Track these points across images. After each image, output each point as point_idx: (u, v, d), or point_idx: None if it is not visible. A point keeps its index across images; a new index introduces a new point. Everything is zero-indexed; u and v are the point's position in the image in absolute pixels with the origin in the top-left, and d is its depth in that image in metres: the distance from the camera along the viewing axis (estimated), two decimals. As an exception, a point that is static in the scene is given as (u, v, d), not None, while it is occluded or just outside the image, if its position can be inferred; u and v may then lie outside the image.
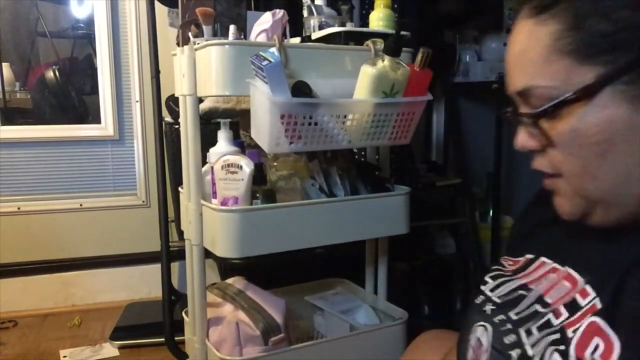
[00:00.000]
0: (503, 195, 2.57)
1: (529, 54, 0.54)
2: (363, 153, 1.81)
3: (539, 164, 0.59)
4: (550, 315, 0.55)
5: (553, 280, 0.58)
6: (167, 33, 2.13)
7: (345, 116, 1.12)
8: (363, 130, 1.16)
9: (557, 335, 0.52)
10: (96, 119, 2.30)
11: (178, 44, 1.32)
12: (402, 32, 1.16)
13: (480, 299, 0.66)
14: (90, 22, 2.26)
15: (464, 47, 2.56)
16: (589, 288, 0.53)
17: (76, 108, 2.35)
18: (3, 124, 2.19)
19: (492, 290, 0.65)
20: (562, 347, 0.51)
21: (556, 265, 0.60)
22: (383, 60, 1.09)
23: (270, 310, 1.27)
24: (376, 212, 1.28)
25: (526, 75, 0.55)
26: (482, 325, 0.61)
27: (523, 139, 0.59)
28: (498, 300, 0.63)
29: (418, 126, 1.26)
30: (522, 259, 0.67)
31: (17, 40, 2.28)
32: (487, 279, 0.68)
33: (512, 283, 0.63)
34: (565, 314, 0.53)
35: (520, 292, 0.61)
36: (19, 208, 2.21)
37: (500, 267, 0.69)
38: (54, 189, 2.26)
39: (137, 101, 2.30)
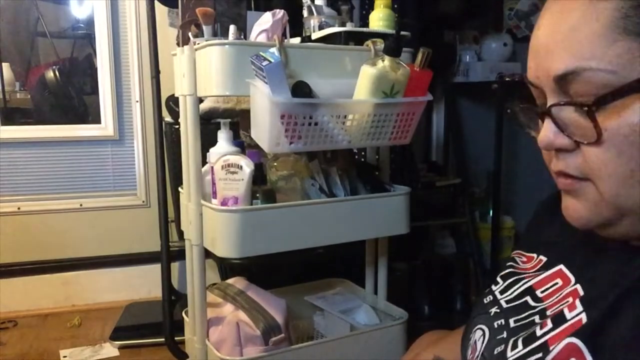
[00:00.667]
0: (503, 195, 2.57)
1: (582, 32, 0.45)
2: (363, 153, 1.81)
3: (564, 166, 0.50)
4: (537, 327, 0.51)
5: (561, 295, 0.54)
6: (167, 33, 2.13)
7: (345, 116, 1.12)
8: (363, 130, 1.16)
9: (540, 354, 0.48)
10: (96, 119, 2.30)
11: (178, 44, 1.32)
12: (402, 32, 1.16)
13: (488, 298, 0.64)
14: (90, 22, 2.26)
15: (464, 47, 2.56)
16: (577, 302, 0.49)
17: (76, 108, 2.35)
18: (3, 124, 2.19)
19: (501, 292, 0.63)
20: (537, 357, 0.48)
21: (567, 272, 0.56)
22: (383, 61, 1.09)
23: (271, 310, 1.27)
24: (376, 212, 1.28)
25: (575, 56, 0.45)
26: (482, 329, 0.59)
27: (551, 135, 0.49)
28: (504, 305, 0.60)
29: (418, 126, 1.26)
30: (535, 257, 0.64)
31: (17, 40, 2.28)
32: (498, 279, 0.66)
33: (522, 284, 0.61)
34: (549, 325, 0.50)
35: (527, 298, 0.58)
36: (19, 208, 2.21)
37: (513, 265, 0.66)
38: (54, 189, 2.26)
39: (137, 101, 2.30)
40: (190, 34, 1.23)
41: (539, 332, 0.50)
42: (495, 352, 0.54)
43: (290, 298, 1.41)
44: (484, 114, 2.63)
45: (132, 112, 2.31)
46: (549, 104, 0.49)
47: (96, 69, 2.27)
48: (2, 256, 2.19)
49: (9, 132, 2.18)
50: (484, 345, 0.57)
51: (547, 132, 0.50)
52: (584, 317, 0.47)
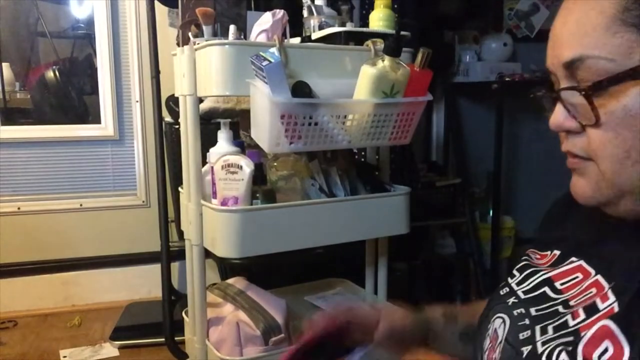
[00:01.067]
0: (503, 195, 2.57)
1: (588, 24, 0.50)
2: (363, 153, 1.81)
3: (571, 146, 0.55)
4: (569, 317, 0.53)
5: (582, 287, 0.56)
6: (167, 33, 2.13)
7: (345, 116, 1.12)
8: (363, 130, 1.16)
9: (571, 338, 0.50)
10: (96, 119, 2.30)
11: (178, 44, 1.32)
12: (402, 32, 1.16)
13: (504, 290, 0.65)
14: (90, 22, 2.26)
15: (464, 47, 2.56)
16: (610, 293, 0.51)
17: (76, 108, 2.35)
18: (3, 124, 2.19)
19: (518, 283, 0.64)
20: (570, 348, 0.49)
21: (586, 266, 0.58)
22: (383, 61, 1.09)
23: (271, 310, 1.27)
24: (376, 212, 1.28)
25: (581, 45, 0.51)
26: (501, 318, 0.60)
27: (560, 117, 0.54)
28: (522, 295, 0.62)
29: (418, 126, 1.26)
30: (549, 254, 0.66)
31: (17, 40, 2.28)
32: (514, 271, 0.67)
33: (539, 276, 0.62)
34: (582, 315, 0.52)
35: (545, 288, 0.60)
36: (19, 208, 2.21)
37: (527, 259, 0.68)
38: (54, 189, 2.26)
39: (137, 101, 2.30)
40: (190, 34, 1.23)
41: (571, 322, 0.52)
42: (521, 337, 0.55)
43: (290, 298, 1.41)
44: (484, 114, 2.63)
45: (132, 112, 2.31)
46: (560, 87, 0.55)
47: (96, 69, 2.27)
48: (2, 256, 2.19)
49: (9, 132, 2.18)
50: (506, 331, 0.58)
51: (557, 115, 0.55)
52: (616, 306, 0.49)
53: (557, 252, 0.64)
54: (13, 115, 2.27)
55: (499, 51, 2.60)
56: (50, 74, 2.29)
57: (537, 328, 0.55)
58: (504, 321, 0.59)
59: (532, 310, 0.57)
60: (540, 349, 0.52)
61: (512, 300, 0.62)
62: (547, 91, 0.57)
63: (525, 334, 0.55)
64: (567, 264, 0.61)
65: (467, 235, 2.49)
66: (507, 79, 2.42)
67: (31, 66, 2.33)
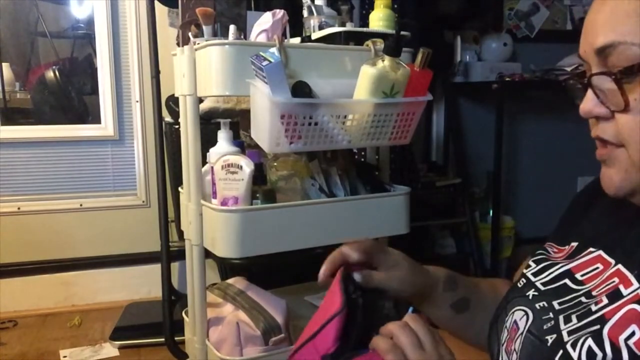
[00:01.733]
0: (503, 195, 2.57)
1: (622, 11, 0.52)
2: (363, 153, 1.81)
3: (601, 132, 0.55)
4: (592, 304, 0.54)
5: (603, 277, 0.56)
6: (167, 33, 2.13)
7: (345, 116, 1.12)
8: (363, 130, 1.16)
9: (597, 326, 0.51)
10: (96, 119, 2.30)
11: (178, 44, 1.32)
12: (402, 32, 1.16)
13: (522, 282, 0.65)
14: (90, 22, 2.26)
15: (464, 47, 2.56)
16: (633, 279, 0.52)
17: (76, 108, 2.35)
18: (3, 124, 2.19)
19: (535, 274, 0.65)
20: (596, 328, 0.50)
21: (605, 256, 0.59)
22: (383, 61, 1.09)
23: (271, 310, 1.27)
24: (376, 212, 1.28)
25: (614, 31, 0.52)
26: (523, 310, 0.61)
27: (590, 104, 0.55)
28: (542, 287, 0.62)
29: (418, 126, 1.26)
30: (567, 247, 0.66)
31: (17, 40, 2.28)
32: (530, 262, 0.67)
33: (557, 268, 0.63)
34: (605, 301, 0.52)
35: (566, 280, 0.60)
36: (19, 208, 2.21)
37: (544, 252, 0.68)
38: (54, 189, 2.26)
39: (137, 101, 2.30)
40: (190, 34, 1.23)
41: (594, 308, 0.53)
42: (545, 327, 0.56)
43: (290, 298, 1.40)
44: (484, 114, 2.63)
45: (132, 112, 2.31)
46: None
47: (96, 69, 2.27)
48: (2, 256, 2.19)
49: (9, 132, 2.18)
50: (529, 323, 0.58)
51: (587, 101, 0.55)
52: None
53: (574, 244, 0.65)
54: (13, 115, 2.27)
55: (499, 51, 2.60)
56: (50, 74, 2.29)
57: (561, 317, 0.55)
58: (526, 314, 0.59)
59: (555, 304, 0.58)
60: (566, 337, 0.52)
61: (531, 292, 0.62)
62: (578, 79, 0.58)
63: (550, 324, 0.56)
64: (586, 255, 0.61)
65: (467, 235, 2.50)
66: (507, 79, 2.42)
67: (31, 66, 2.33)
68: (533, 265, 0.67)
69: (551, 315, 0.57)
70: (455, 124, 2.65)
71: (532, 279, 0.64)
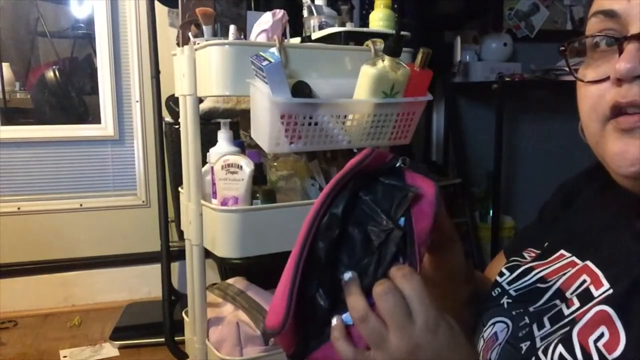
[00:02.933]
0: (503, 195, 2.57)
1: None
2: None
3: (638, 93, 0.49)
4: (563, 306, 0.53)
5: (572, 274, 0.55)
6: (167, 33, 2.13)
7: (345, 116, 1.12)
8: (363, 130, 1.16)
9: (567, 328, 0.49)
10: (96, 119, 2.30)
11: (178, 44, 1.32)
12: (402, 32, 1.16)
13: (496, 291, 0.64)
14: (90, 22, 2.26)
15: (464, 47, 2.56)
16: (604, 280, 0.51)
17: (76, 108, 2.35)
18: (3, 124, 2.19)
19: (509, 283, 0.63)
20: (566, 330, 0.49)
21: (575, 259, 0.57)
22: (383, 61, 1.09)
23: (271, 310, 1.27)
24: (376, 212, 1.28)
25: None
26: (504, 323, 0.59)
27: (636, 60, 0.48)
28: (514, 294, 0.61)
29: (418, 126, 1.26)
30: (540, 251, 0.65)
31: (17, 40, 2.28)
32: (503, 270, 0.66)
33: (530, 276, 0.61)
34: (577, 304, 0.51)
35: (538, 285, 0.59)
36: (19, 208, 2.21)
37: (518, 259, 0.67)
38: (54, 189, 2.26)
39: (137, 101, 2.30)
40: (190, 34, 1.23)
41: (566, 311, 0.52)
42: (520, 335, 0.55)
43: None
44: (484, 114, 2.63)
45: (132, 112, 2.31)
46: (632, 31, 0.49)
47: (96, 69, 2.27)
48: (2, 256, 2.19)
49: (9, 132, 2.18)
50: (508, 334, 0.57)
51: (632, 58, 0.48)
52: (610, 292, 0.49)
53: (546, 244, 0.64)
54: (13, 115, 2.27)
55: (499, 51, 2.61)
56: (50, 74, 2.29)
57: (535, 323, 0.54)
58: (507, 326, 0.58)
59: (530, 309, 0.57)
60: (538, 343, 0.51)
61: (505, 300, 0.61)
62: (611, 37, 0.51)
63: (525, 331, 0.55)
64: (559, 259, 0.60)
65: (467, 235, 2.50)
66: (507, 79, 2.42)
67: (31, 66, 2.33)
68: (507, 272, 0.65)
69: (527, 320, 0.56)
70: (455, 124, 2.65)
71: (506, 287, 0.63)
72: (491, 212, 2.45)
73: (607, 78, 0.50)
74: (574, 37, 0.55)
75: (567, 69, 0.57)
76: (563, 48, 0.55)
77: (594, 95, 0.52)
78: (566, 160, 2.81)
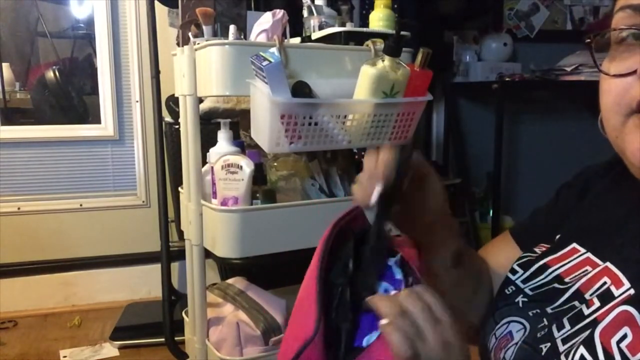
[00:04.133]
0: (503, 195, 2.57)
1: None
2: (363, 153, 1.81)
3: None
4: (583, 306, 0.52)
5: (592, 276, 0.54)
6: (167, 33, 2.13)
7: (345, 116, 1.12)
8: (363, 130, 1.16)
9: (589, 330, 0.48)
10: (96, 119, 2.30)
11: (178, 44, 1.32)
12: (402, 32, 1.16)
13: (510, 289, 0.63)
14: (90, 22, 2.26)
15: (464, 47, 2.56)
16: (624, 279, 0.50)
17: (76, 108, 2.35)
18: (3, 124, 2.19)
19: (523, 281, 0.62)
20: (588, 332, 0.48)
21: (592, 256, 0.56)
22: (383, 61, 1.09)
23: (271, 310, 1.27)
24: (376, 212, 1.28)
25: None
26: (520, 323, 0.58)
27: None
28: (530, 293, 0.60)
29: (418, 126, 1.26)
30: (552, 244, 0.64)
31: (17, 40, 2.28)
32: (515, 267, 0.64)
33: (546, 274, 0.60)
34: (597, 303, 0.50)
35: (555, 285, 0.58)
36: (19, 208, 2.21)
37: (529, 254, 0.65)
38: (54, 189, 2.26)
39: (137, 101, 2.30)
40: (190, 34, 1.23)
41: (586, 311, 0.51)
42: (539, 335, 0.54)
43: (290, 298, 1.40)
44: (484, 114, 2.63)
45: (132, 112, 2.31)
46: None
47: (96, 69, 2.27)
48: (2, 256, 2.19)
49: (9, 132, 2.18)
50: (525, 334, 0.56)
51: None
52: (632, 292, 0.48)
53: (558, 236, 0.63)
54: (13, 115, 2.27)
55: (499, 51, 2.61)
56: (50, 74, 2.29)
57: (554, 323, 0.53)
58: (524, 327, 0.57)
59: (548, 309, 0.56)
60: (561, 347, 0.50)
61: (520, 299, 0.60)
62: (635, 31, 0.51)
63: (543, 331, 0.54)
64: (572, 253, 0.59)
65: (467, 235, 2.50)
66: (507, 79, 2.42)
67: (31, 66, 2.33)
68: (520, 270, 0.64)
69: (545, 322, 0.55)
70: (455, 124, 2.65)
71: (521, 285, 0.62)
72: (491, 212, 2.45)
73: (633, 72, 0.49)
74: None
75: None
76: (589, 40, 0.54)
77: (618, 89, 0.51)
78: (566, 160, 2.81)
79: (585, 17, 2.87)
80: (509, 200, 2.81)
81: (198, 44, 1.15)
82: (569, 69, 2.31)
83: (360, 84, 1.11)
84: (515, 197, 2.85)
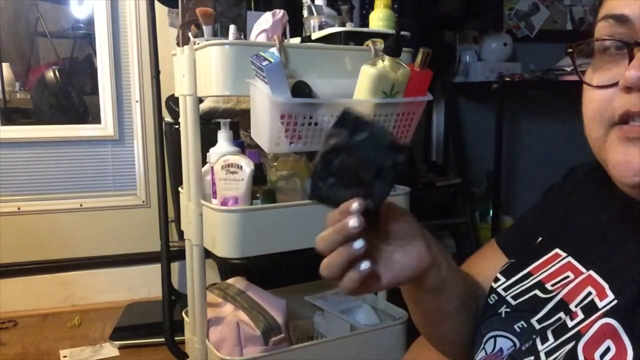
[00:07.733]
0: (503, 195, 2.57)
1: None
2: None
3: None
4: (567, 319, 0.51)
5: (576, 285, 0.53)
6: (167, 33, 2.13)
7: (345, 116, 1.12)
8: (363, 130, 1.16)
9: (572, 342, 0.48)
10: (96, 119, 2.30)
11: (178, 44, 1.32)
12: (402, 32, 1.16)
13: (492, 298, 0.62)
14: (90, 22, 2.26)
15: (464, 47, 2.56)
16: (609, 290, 0.49)
17: (76, 108, 2.35)
18: (3, 124, 2.19)
19: (505, 289, 0.61)
20: (571, 345, 0.47)
21: (574, 262, 0.56)
22: (383, 61, 1.09)
23: (271, 310, 1.27)
24: (376, 212, 1.28)
25: None
26: (509, 339, 0.57)
27: None
28: (512, 302, 0.59)
29: (418, 126, 1.26)
30: (532, 247, 0.63)
31: (17, 40, 2.28)
32: (498, 275, 0.64)
33: (526, 281, 0.60)
34: (581, 315, 0.50)
35: (537, 292, 0.57)
36: (19, 208, 2.21)
37: (513, 261, 0.65)
38: (54, 189, 2.26)
39: (137, 101, 2.30)
40: (190, 34, 1.23)
41: (570, 324, 0.50)
42: (524, 349, 0.54)
43: (290, 298, 1.40)
44: (484, 114, 2.63)
45: (132, 112, 2.31)
46: None
47: (96, 69, 2.27)
48: (2, 256, 2.19)
49: (9, 132, 2.18)
50: (513, 350, 0.55)
51: (638, 66, 0.46)
52: (614, 303, 0.48)
53: (540, 239, 0.62)
54: (13, 115, 2.27)
55: (499, 51, 2.60)
56: (50, 74, 2.29)
57: (538, 336, 0.53)
58: (514, 344, 0.56)
59: (534, 322, 0.55)
60: (543, 359, 0.50)
61: (503, 309, 0.59)
62: (620, 43, 0.49)
63: (528, 344, 0.53)
64: (553, 259, 0.58)
65: (467, 235, 2.49)
66: (507, 79, 2.42)
67: (31, 66, 2.33)
68: (502, 278, 0.63)
69: (532, 335, 0.54)
70: (455, 124, 2.65)
71: (503, 294, 0.61)
72: (491, 212, 2.45)
73: (616, 84, 0.49)
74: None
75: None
76: (570, 50, 0.54)
77: (600, 100, 0.50)
78: (566, 160, 2.81)
79: (586, 17, 2.87)
80: (509, 200, 2.81)
81: (198, 44, 1.15)
82: (569, 69, 2.31)
83: (360, 83, 1.11)
84: (515, 197, 2.85)
